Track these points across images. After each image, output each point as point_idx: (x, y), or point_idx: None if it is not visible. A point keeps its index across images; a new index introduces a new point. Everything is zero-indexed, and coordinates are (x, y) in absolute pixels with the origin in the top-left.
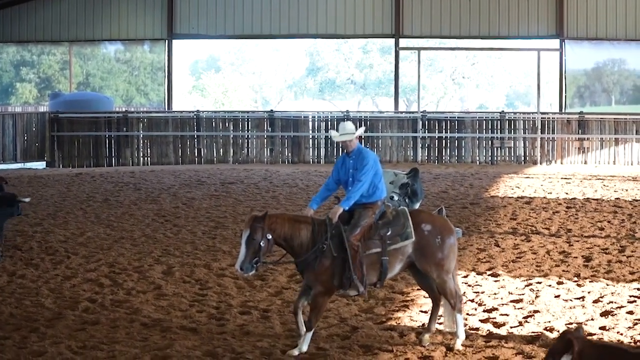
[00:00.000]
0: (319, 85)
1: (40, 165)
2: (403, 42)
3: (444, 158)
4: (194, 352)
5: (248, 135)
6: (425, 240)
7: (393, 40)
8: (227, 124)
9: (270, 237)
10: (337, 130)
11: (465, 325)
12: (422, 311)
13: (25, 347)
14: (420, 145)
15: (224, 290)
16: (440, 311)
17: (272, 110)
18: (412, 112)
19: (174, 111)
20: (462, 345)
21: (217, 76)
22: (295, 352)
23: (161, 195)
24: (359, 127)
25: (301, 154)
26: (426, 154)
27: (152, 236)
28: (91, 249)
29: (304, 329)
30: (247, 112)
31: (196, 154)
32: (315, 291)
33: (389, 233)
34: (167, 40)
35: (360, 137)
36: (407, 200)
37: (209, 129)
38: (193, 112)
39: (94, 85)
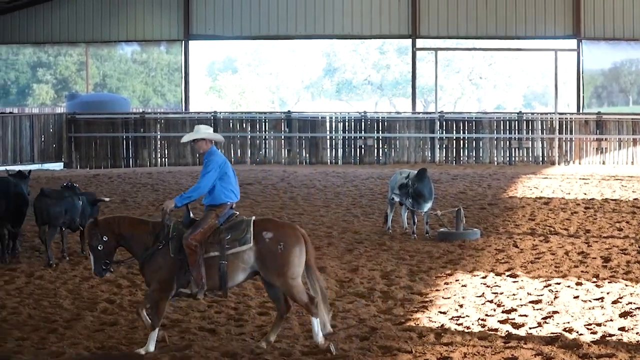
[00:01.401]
0: (335, 86)
1: (57, 166)
2: (420, 43)
3: (461, 159)
4: (212, 352)
5: (265, 136)
6: (266, 247)
7: (410, 40)
8: (244, 125)
9: (106, 238)
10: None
11: (484, 326)
12: (440, 312)
13: (44, 348)
14: (438, 146)
15: (242, 291)
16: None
17: (289, 111)
18: (430, 113)
19: (191, 112)
20: (481, 345)
21: (234, 77)
22: (142, 351)
23: None
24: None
25: (319, 154)
26: (444, 155)
27: None
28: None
29: (149, 326)
30: (265, 113)
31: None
32: (151, 288)
33: (228, 237)
34: (183, 41)
35: (212, 141)
36: (411, 201)
37: (226, 129)
38: (210, 113)
39: (111, 86)
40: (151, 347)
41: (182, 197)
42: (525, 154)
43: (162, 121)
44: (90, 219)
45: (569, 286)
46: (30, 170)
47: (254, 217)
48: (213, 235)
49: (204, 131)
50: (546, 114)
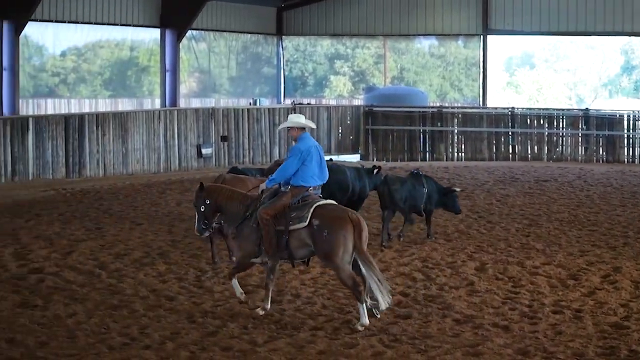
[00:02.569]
0: (633, 84)
1: (354, 158)
2: None
3: None
4: (505, 350)
5: (562, 133)
6: (314, 232)
7: None
8: (541, 121)
9: (208, 202)
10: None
11: None
12: None
13: (337, 339)
14: None
15: (536, 288)
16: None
17: (587, 108)
18: None
19: (488, 107)
20: None
21: (531, 73)
22: (261, 312)
23: (475, 192)
24: None
25: (616, 153)
26: None
27: (465, 232)
28: (404, 243)
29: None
30: (562, 109)
31: (510, 151)
32: (237, 255)
33: (292, 215)
34: (482, 36)
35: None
36: None
37: (523, 125)
38: (507, 108)
39: (408, 79)
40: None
41: (270, 180)
42: None
43: (460, 115)
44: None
45: None
46: (379, 166)
47: (319, 202)
48: (284, 212)
49: (295, 120)
50: None
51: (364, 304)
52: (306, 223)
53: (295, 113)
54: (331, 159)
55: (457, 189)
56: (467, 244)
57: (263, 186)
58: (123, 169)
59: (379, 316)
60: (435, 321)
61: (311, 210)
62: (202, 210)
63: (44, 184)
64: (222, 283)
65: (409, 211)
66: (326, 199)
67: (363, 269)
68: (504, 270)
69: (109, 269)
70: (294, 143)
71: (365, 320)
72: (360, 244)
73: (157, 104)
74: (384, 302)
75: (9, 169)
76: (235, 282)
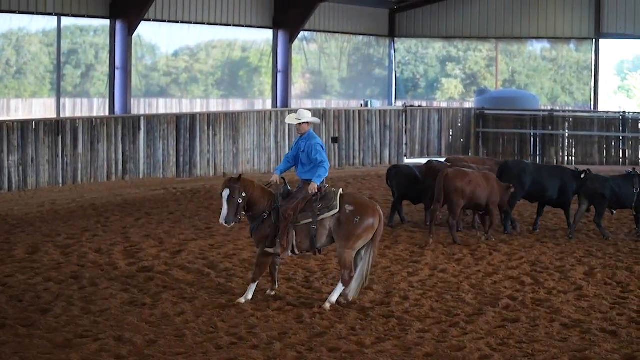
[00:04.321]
0: None
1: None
2: None
3: None
4: (612, 355)
5: None
6: (345, 217)
7: None
8: None
9: (244, 195)
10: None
11: None
12: None
13: (444, 341)
14: None
15: None
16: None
17: None
18: None
19: (599, 111)
20: None
21: None
22: (242, 300)
23: None
24: None
25: None
26: None
27: (575, 236)
28: (514, 247)
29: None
30: None
31: (620, 155)
32: (259, 250)
33: (319, 205)
34: (594, 40)
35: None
36: None
37: (634, 130)
38: (618, 112)
39: (519, 83)
40: (249, 296)
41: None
42: None
43: (571, 119)
44: None
45: None
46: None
47: (341, 190)
48: (306, 205)
49: (310, 116)
50: None
51: (344, 288)
52: (337, 210)
53: (300, 110)
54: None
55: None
56: (576, 248)
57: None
58: (233, 168)
59: (344, 302)
60: (542, 325)
61: (337, 197)
62: (239, 202)
63: (155, 183)
64: (331, 284)
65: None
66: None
67: (363, 258)
68: (612, 275)
69: (218, 268)
70: (296, 136)
71: (334, 299)
72: (378, 237)
73: (269, 104)
74: (354, 292)
75: (120, 167)
76: (253, 286)
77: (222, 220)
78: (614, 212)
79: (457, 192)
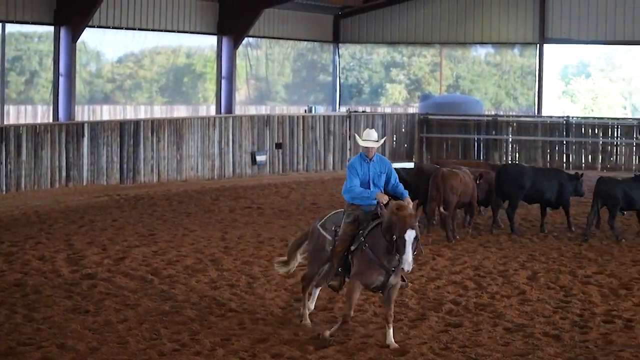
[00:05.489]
0: None
1: (408, 165)
2: None
3: None
4: (555, 359)
5: (617, 142)
6: None
7: None
8: (596, 130)
9: None
10: (363, 136)
11: None
12: None
13: (387, 347)
14: None
15: (588, 297)
16: None
17: None
18: None
19: (543, 116)
20: None
21: (586, 82)
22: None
23: None
24: None
25: None
26: None
27: (518, 240)
28: (457, 252)
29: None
30: (617, 119)
31: (564, 160)
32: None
33: None
34: (538, 45)
35: None
36: None
37: (577, 134)
38: (562, 117)
39: (464, 88)
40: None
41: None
42: None
43: (514, 124)
44: None
45: None
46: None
47: None
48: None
49: (376, 136)
50: None
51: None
52: None
53: (370, 131)
54: None
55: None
56: (520, 252)
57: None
58: (177, 175)
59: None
60: (486, 330)
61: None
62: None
63: (98, 190)
64: (274, 290)
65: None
66: None
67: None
68: (555, 279)
69: (161, 275)
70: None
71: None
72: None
73: (213, 110)
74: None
75: (64, 174)
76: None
77: (410, 268)
78: (624, 213)
79: (452, 190)
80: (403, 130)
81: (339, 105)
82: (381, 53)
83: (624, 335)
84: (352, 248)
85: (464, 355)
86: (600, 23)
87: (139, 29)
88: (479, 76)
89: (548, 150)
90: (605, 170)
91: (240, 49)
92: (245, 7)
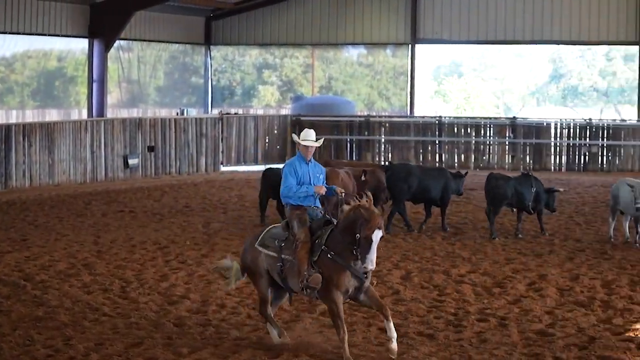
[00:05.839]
0: (561, 92)
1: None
2: None
3: None
4: (430, 358)
5: (490, 142)
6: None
7: (637, 47)
8: (468, 130)
9: None
10: (300, 135)
11: None
12: None
13: (261, 349)
14: None
15: (462, 296)
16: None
17: (514, 117)
18: None
19: (415, 116)
20: None
21: (459, 81)
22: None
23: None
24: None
25: (542, 161)
26: None
27: (391, 240)
28: None
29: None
30: (489, 118)
31: (437, 159)
32: None
33: None
34: (410, 45)
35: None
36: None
37: (450, 134)
38: (435, 117)
39: (336, 88)
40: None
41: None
42: None
43: (387, 124)
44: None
45: None
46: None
47: None
48: None
49: (315, 136)
50: None
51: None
52: None
53: (309, 130)
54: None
55: (561, 189)
56: (393, 252)
57: None
58: (49, 179)
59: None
60: (360, 330)
61: None
62: None
63: None
64: (147, 294)
65: (516, 207)
66: None
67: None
68: (429, 279)
69: (34, 280)
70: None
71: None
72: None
73: (84, 114)
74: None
75: None
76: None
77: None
78: (514, 210)
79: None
80: (275, 132)
81: (212, 107)
82: (253, 55)
83: (498, 334)
84: (314, 258)
85: (338, 357)
86: (472, 23)
87: (10, 33)
88: (351, 77)
89: (421, 150)
90: (477, 170)
91: (112, 52)
92: (116, 9)
